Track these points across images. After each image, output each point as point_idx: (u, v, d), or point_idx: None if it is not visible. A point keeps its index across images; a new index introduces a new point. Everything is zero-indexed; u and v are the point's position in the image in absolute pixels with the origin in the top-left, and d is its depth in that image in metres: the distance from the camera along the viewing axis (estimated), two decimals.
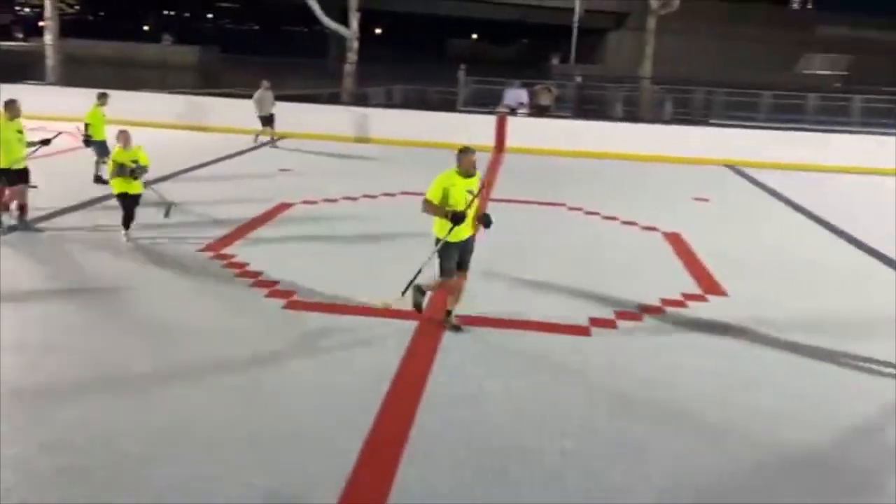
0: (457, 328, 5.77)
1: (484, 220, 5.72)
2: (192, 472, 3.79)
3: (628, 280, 7.43)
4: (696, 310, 6.65)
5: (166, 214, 8.24)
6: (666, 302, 6.77)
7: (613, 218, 10.24)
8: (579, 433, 4.38)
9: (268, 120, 15.07)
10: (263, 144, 15.20)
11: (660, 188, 13.06)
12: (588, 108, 20.73)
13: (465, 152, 5.59)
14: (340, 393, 4.76)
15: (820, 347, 5.85)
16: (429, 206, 5.52)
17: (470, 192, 5.51)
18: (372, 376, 4.97)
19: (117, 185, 7.64)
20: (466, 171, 5.54)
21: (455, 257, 5.61)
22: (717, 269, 7.84)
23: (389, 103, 22.41)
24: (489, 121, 16.68)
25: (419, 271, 5.65)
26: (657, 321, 6.34)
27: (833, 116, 20.03)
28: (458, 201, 5.44)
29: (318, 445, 4.12)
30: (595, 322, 6.19)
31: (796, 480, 4.05)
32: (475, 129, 16.53)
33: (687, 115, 20.21)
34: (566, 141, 16.06)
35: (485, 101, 20.12)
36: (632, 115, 20.25)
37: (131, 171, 7.54)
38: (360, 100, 21.05)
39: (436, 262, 5.59)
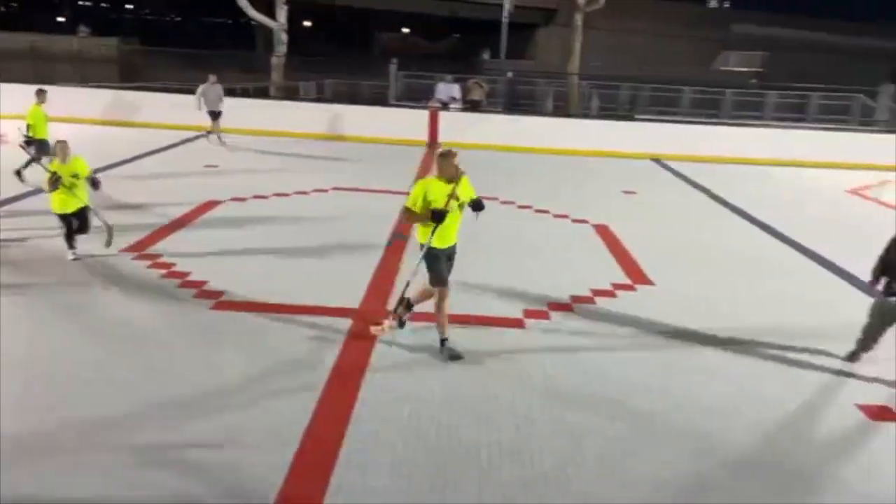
0: (456, 356, 5.30)
1: (477, 205, 5.34)
2: (120, 478, 3.65)
3: (560, 272, 7.59)
4: (625, 299, 6.86)
5: (107, 244, 7.22)
6: (596, 292, 6.95)
7: (545, 211, 10.42)
8: (516, 425, 4.45)
9: (214, 115, 14.51)
10: (204, 137, 14.61)
11: (589, 182, 13.38)
12: (519, 103, 21.00)
13: (446, 156, 5.15)
14: (274, 394, 4.67)
15: (744, 334, 6.14)
16: (409, 215, 5.21)
17: (453, 197, 5.11)
18: (306, 376, 4.90)
19: (57, 204, 6.96)
20: (449, 177, 5.13)
21: (444, 263, 5.29)
22: (644, 260, 8.11)
23: (321, 97, 22.08)
24: (422, 115, 16.68)
25: (407, 284, 5.49)
26: (589, 311, 6.49)
27: (749, 111, 20.97)
28: (440, 205, 5.10)
29: (250, 448, 4.04)
30: (529, 314, 6.29)
31: (726, 467, 4.23)
32: (407, 123, 16.54)
33: (613, 110, 20.76)
34: (498, 136, 16.24)
35: (417, 96, 20.10)
36: (561, 111, 20.64)
37: (92, 181, 7.10)
38: (290, 94, 20.65)
39: (423, 271, 5.30)
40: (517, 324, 6.10)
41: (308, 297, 6.34)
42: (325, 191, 11.06)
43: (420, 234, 5.30)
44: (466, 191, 5.28)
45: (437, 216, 5.06)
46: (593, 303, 6.71)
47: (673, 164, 15.46)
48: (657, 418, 4.64)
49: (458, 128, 16.32)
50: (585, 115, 19.29)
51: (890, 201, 12.59)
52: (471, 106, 17.74)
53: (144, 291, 6.37)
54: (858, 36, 35.77)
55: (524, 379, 5.09)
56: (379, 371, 5.07)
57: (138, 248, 7.51)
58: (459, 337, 5.71)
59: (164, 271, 6.87)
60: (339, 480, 3.78)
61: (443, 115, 16.67)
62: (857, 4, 54.67)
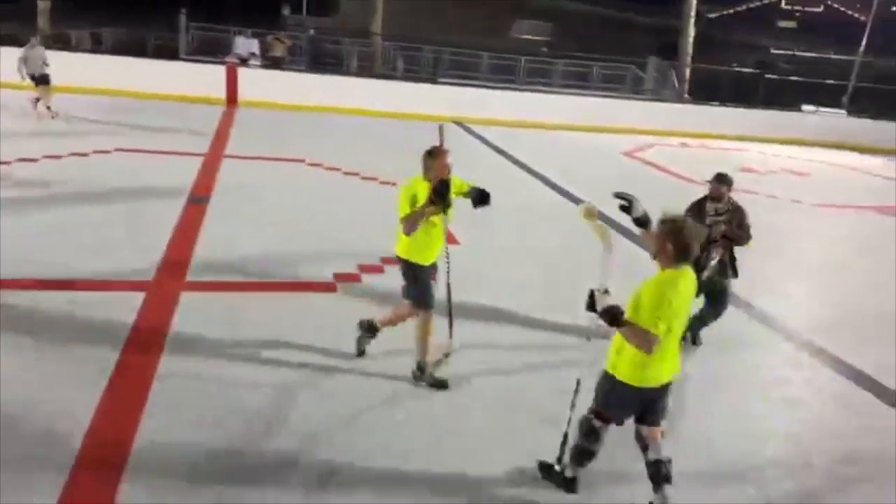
0: (442, 384, 4.56)
1: (481, 197, 4.68)
2: None
3: (370, 233, 7.57)
4: None
5: None
6: None
7: (354, 173, 10.32)
8: (330, 393, 4.40)
9: (41, 79, 12.07)
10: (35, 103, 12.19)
11: (397, 143, 13.44)
12: (322, 61, 20.43)
13: (435, 155, 4.44)
14: (58, 381, 4.15)
15: (540, 288, 6.61)
16: (406, 222, 4.32)
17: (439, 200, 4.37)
18: (95, 359, 4.41)
19: None
20: (438, 178, 4.41)
21: (429, 281, 4.54)
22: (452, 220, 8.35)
23: (97, 48, 19.69)
24: (218, 72, 15.58)
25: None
26: (397, 270, 6.55)
27: (540, 78, 22.37)
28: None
29: (31, 444, 3.57)
30: (340, 277, 6.23)
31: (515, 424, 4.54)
32: (202, 80, 15.37)
33: (417, 72, 21.00)
34: (301, 95, 15.71)
35: (212, 50, 18.70)
36: (366, 71, 20.44)
37: None
38: (61, 44, 18.14)
39: (404, 289, 4.58)
40: (329, 287, 6.01)
41: (91, 270, 5.68)
42: (108, 152, 9.96)
43: (402, 249, 4.47)
44: (459, 186, 4.61)
45: (440, 192, 4.29)
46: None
47: (475, 127, 16.06)
48: (466, 375, 4.85)
49: (259, 85, 15.51)
50: (391, 77, 19.29)
51: (657, 162, 14.23)
52: (272, 63, 16.92)
53: None
54: (633, 12, 39.54)
55: (338, 344, 5.02)
56: (177, 349, 4.71)
57: None
58: (267, 305, 5.50)
59: None
60: (132, 468, 3.48)
61: (242, 72, 15.72)
62: None
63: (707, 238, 5.05)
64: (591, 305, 3.21)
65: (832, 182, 14.36)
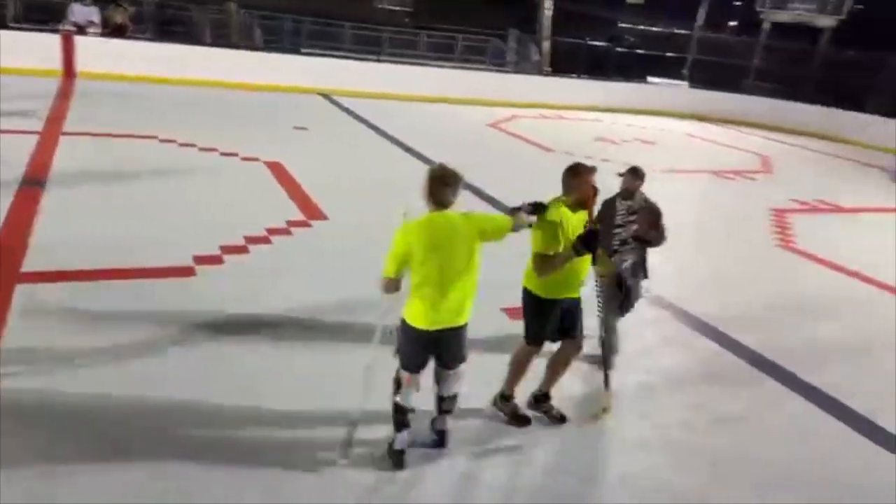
0: (524, 421, 4.08)
1: (589, 243, 3.59)
2: None
3: (232, 213, 7.26)
4: (301, 236, 6.86)
5: None
6: (272, 231, 6.82)
7: (212, 149, 9.79)
8: (188, 373, 4.19)
9: None
10: None
11: (258, 118, 12.90)
12: (171, 30, 19.07)
13: (578, 172, 3.70)
14: None
15: None
16: (543, 266, 3.68)
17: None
18: None
19: None
20: (580, 198, 3.70)
21: (550, 318, 3.89)
22: (318, 196, 8.17)
23: None
24: (52, 41, 14.11)
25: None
26: (265, 251, 6.35)
27: (406, 49, 22.25)
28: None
29: None
30: (200, 260, 5.91)
31: None
32: (33, 50, 13.87)
33: (277, 42, 20.17)
34: (148, 66, 14.60)
35: (43, 17, 16.88)
36: (222, 41, 19.35)
37: None
38: None
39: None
40: (187, 272, 5.68)
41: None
42: None
43: (530, 279, 3.84)
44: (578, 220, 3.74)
45: (588, 242, 3.55)
46: (269, 241, 6.57)
47: (341, 100, 15.73)
48: (341, 336, 4.79)
49: (99, 56, 14.23)
50: (249, 47, 18.39)
51: (521, 133, 14.68)
52: (113, 31, 15.56)
53: None
54: None
55: (193, 327, 4.78)
56: (19, 340, 4.28)
57: None
58: (121, 292, 5.13)
59: None
60: None
61: (79, 41, 14.33)
62: None
63: (620, 241, 4.63)
64: None
65: (677, 149, 15.49)
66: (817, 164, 15.73)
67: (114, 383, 4.03)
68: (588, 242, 3.53)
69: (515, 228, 3.54)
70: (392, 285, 3.38)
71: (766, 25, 22.52)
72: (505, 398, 4.09)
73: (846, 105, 19.06)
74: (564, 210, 3.66)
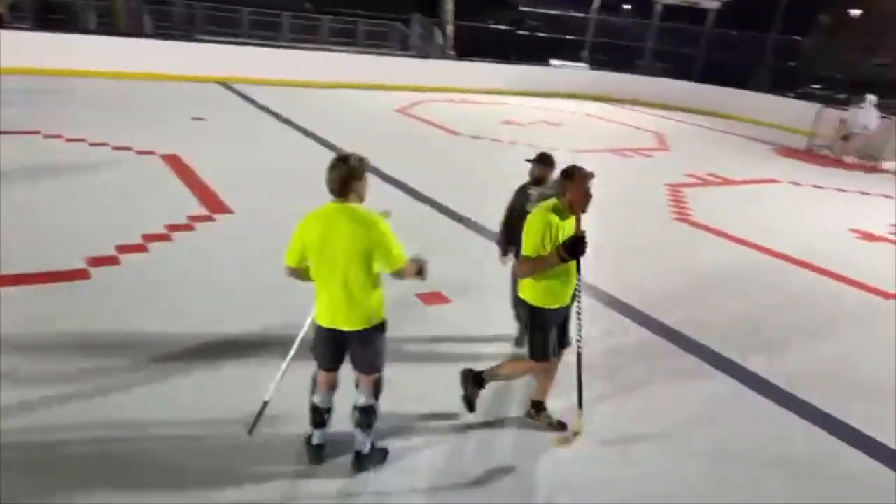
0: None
1: (573, 250, 3.52)
2: None
3: (128, 210, 6.90)
4: (205, 230, 6.61)
5: None
6: (172, 227, 6.53)
7: (103, 144, 9.25)
8: (89, 381, 3.97)
9: None
10: None
11: (152, 109, 12.28)
12: (53, 17, 17.81)
13: (572, 176, 3.55)
14: None
15: None
16: (528, 266, 3.61)
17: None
18: None
19: None
20: (574, 205, 3.59)
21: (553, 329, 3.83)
22: (221, 188, 7.89)
23: None
24: None
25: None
26: (165, 248, 6.07)
27: (307, 35, 21.74)
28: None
29: None
30: (94, 262, 5.58)
31: None
32: None
33: (169, 29, 19.23)
34: (30, 57, 13.61)
35: None
36: (109, 28, 18.25)
37: None
38: None
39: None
40: (80, 275, 5.36)
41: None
42: None
43: (527, 289, 3.72)
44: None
45: (573, 250, 3.48)
46: (169, 239, 6.29)
47: (240, 88, 15.22)
48: (258, 324, 4.67)
49: None
50: (139, 34, 17.43)
51: (428, 118, 14.69)
52: None
53: None
54: None
55: (88, 335, 4.52)
56: None
57: None
58: (19, 299, 4.78)
59: None
60: None
61: None
62: None
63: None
64: None
65: (580, 129, 15.96)
66: (708, 140, 16.61)
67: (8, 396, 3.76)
68: (572, 250, 3.47)
69: (403, 274, 3.20)
70: (292, 274, 3.30)
71: (657, 8, 23.50)
72: (538, 407, 4.04)
73: (731, 83, 20.19)
74: (552, 217, 3.51)
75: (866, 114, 14.73)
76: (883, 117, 14.85)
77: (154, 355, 4.33)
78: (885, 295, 6.99)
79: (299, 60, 17.49)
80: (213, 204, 7.39)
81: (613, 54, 23.08)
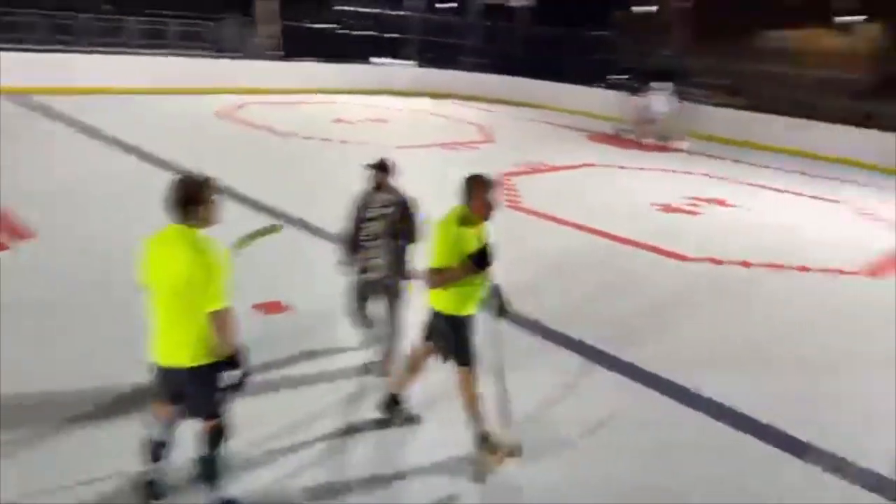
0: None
1: (480, 261, 3.48)
2: None
3: None
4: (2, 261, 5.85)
5: None
6: None
7: None
8: None
9: None
10: None
11: None
12: None
13: (479, 184, 3.60)
14: None
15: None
16: (437, 277, 3.55)
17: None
18: None
19: None
20: (478, 212, 3.60)
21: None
22: (19, 212, 7.00)
23: None
24: None
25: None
26: None
27: (110, 38, 19.97)
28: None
29: None
30: None
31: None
32: None
33: None
34: None
35: None
36: None
37: None
38: None
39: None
40: None
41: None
42: None
43: (438, 298, 3.65)
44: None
45: (480, 261, 3.47)
46: None
47: (36, 99, 13.66)
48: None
49: None
50: None
51: (254, 121, 14.12)
52: None
53: None
54: None
55: None
56: None
57: None
58: None
59: None
60: None
61: None
62: None
63: (370, 235, 4.36)
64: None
65: (407, 125, 16.18)
66: (529, 129, 17.55)
67: None
68: (479, 261, 3.46)
69: (215, 319, 2.84)
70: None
71: (476, 7, 24.41)
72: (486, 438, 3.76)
73: (548, 76, 21.45)
74: (456, 226, 3.50)
75: (660, 99, 16.39)
76: (677, 101, 16.62)
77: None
78: (684, 258, 7.80)
79: (102, 65, 16.09)
80: (11, 229, 6.54)
81: (438, 51, 23.61)
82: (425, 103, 20.08)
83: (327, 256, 5.39)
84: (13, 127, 11.28)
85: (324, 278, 5.76)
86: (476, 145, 14.19)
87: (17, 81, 14.10)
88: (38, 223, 6.72)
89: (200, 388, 2.95)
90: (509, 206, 9.38)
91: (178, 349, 2.88)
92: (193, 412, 3.05)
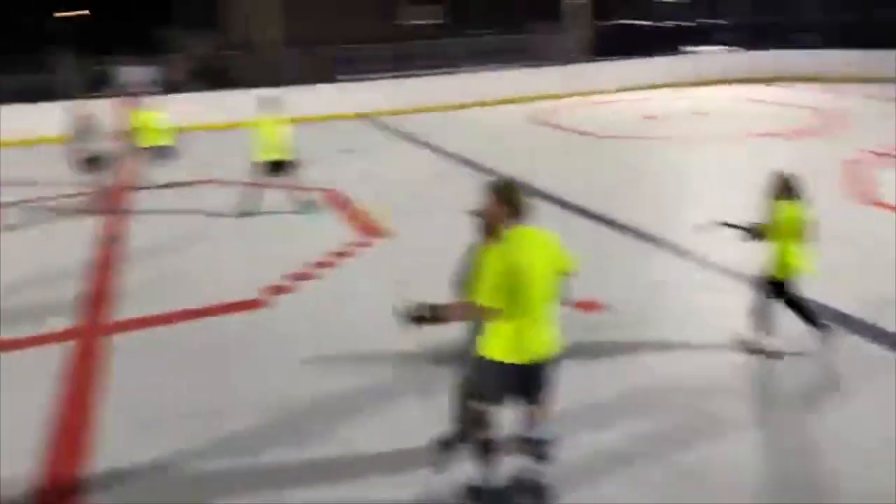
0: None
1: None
2: None
3: (287, 243, 7.37)
4: (365, 255, 6.88)
5: None
6: (339, 254, 6.88)
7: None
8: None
9: None
10: None
11: (308, 147, 12.94)
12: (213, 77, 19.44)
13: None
14: None
15: None
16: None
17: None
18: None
19: None
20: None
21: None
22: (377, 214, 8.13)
23: None
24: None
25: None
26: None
27: (437, 59, 22.07)
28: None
29: None
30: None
31: None
32: None
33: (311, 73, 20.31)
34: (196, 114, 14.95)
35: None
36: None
37: None
38: None
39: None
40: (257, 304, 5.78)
41: None
42: None
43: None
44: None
45: (419, 319, 2.99)
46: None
47: (385, 120, 15.73)
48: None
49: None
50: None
51: (562, 123, 14.39)
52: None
53: None
54: None
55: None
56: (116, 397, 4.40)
57: None
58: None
59: None
60: None
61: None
62: None
63: None
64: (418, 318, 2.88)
65: (729, 115, 14.84)
66: (882, 110, 14.82)
67: None
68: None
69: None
70: (484, 315, 2.99)
71: None
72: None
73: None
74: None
75: None
76: None
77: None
78: None
79: (442, 85, 18.08)
80: (369, 229, 7.64)
81: (759, 32, 21.41)
82: (749, 90, 18.26)
83: (638, 256, 5.20)
84: (373, 144, 13.23)
85: (634, 276, 5.64)
86: (814, 132, 12.49)
87: (372, 106, 16.47)
88: (398, 225, 7.66)
89: (552, 375, 3.13)
90: (862, 203, 7.93)
91: (552, 341, 3.05)
92: (539, 399, 3.15)
